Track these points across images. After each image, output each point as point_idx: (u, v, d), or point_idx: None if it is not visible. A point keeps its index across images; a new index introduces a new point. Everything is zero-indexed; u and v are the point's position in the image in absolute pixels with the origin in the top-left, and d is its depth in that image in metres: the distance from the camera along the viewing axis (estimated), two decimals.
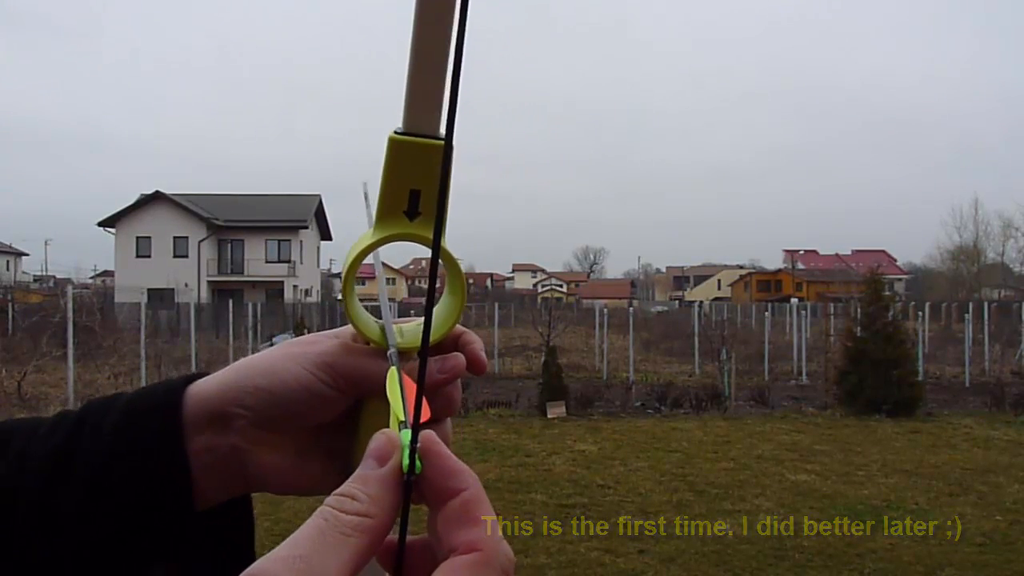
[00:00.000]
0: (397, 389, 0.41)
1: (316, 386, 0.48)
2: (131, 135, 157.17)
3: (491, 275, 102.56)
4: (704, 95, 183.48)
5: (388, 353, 0.45)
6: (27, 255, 65.26)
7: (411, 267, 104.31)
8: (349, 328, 0.50)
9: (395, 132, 0.41)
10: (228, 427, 0.48)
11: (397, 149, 0.41)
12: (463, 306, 0.47)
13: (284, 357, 0.49)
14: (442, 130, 0.39)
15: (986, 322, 18.64)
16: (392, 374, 0.42)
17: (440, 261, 0.39)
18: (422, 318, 0.39)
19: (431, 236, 0.39)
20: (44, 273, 62.92)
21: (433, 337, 0.45)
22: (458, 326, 0.49)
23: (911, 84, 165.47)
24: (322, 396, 0.48)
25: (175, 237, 39.94)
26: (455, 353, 0.50)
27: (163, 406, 0.48)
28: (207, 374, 0.51)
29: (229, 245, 41.63)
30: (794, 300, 29.26)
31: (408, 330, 0.49)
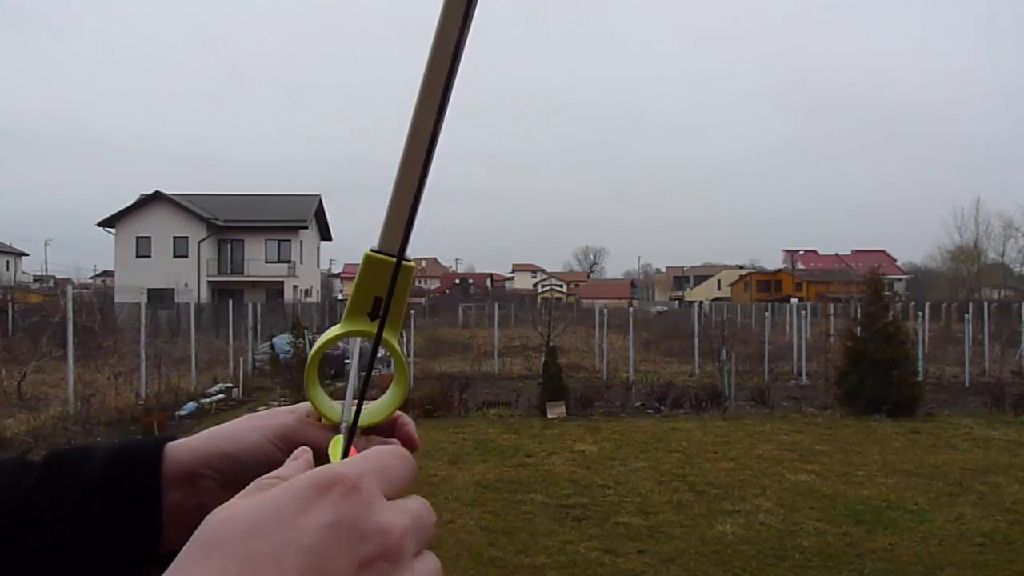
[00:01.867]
0: (339, 452, 0.49)
1: (275, 455, 0.55)
2: (131, 135, 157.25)
3: (491, 275, 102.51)
4: (704, 95, 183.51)
5: (340, 426, 0.53)
6: (27, 255, 65.31)
7: None
8: (307, 405, 0.57)
9: (370, 250, 0.51)
10: (197, 487, 0.55)
11: (369, 263, 0.51)
12: (405, 395, 0.55)
13: (248, 428, 0.57)
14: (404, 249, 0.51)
15: (986, 322, 18.63)
16: (336, 440, 0.51)
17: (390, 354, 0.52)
18: (375, 401, 0.53)
19: (389, 337, 0.51)
20: (44, 273, 62.98)
21: (375, 420, 0.54)
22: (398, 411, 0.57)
23: (911, 84, 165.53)
24: (279, 463, 0.51)
25: (175, 237, 39.94)
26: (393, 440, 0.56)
27: (145, 466, 0.55)
28: (175, 438, 0.58)
29: (229, 245, 41.63)
30: (794, 300, 29.26)
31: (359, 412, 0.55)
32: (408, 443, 0.56)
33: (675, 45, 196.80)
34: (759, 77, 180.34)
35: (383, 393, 0.57)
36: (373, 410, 0.54)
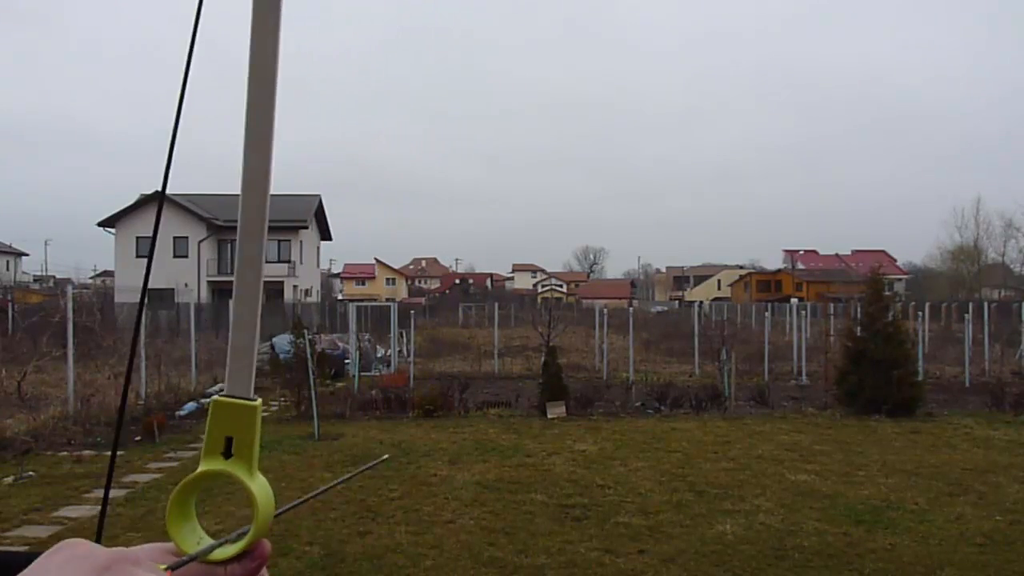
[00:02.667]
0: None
1: None
2: (131, 135, 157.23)
3: (491, 275, 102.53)
4: (704, 94, 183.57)
5: (184, 556, 0.54)
6: (27, 255, 65.32)
7: (411, 267, 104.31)
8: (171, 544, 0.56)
9: (218, 395, 0.56)
10: None
11: (218, 407, 0.56)
12: (260, 534, 0.55)
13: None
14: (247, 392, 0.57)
15: (986, 322, 18.62)
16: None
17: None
18: (234, 544, 0.54)
19: (241, 473, 0.55)
20: (44, 273, 63.03)
21: (225, 555, 0.54)
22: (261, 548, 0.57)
23: (911, 83, 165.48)
24: None
25: (175, 237, 39.96)
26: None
27: None
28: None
29: (229, 245, 41.63)
30: (794, 300, 29.27)
31: (217, 549, 0.56)
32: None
33: (673, 44, 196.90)
34: (759, 77, 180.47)
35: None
36: (228, 547, 0.55)
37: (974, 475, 8.21)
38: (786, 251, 74.57)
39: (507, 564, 5.60)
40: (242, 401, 0.56)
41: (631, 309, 21.94)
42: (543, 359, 13.26)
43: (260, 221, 0.59)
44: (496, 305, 23.99)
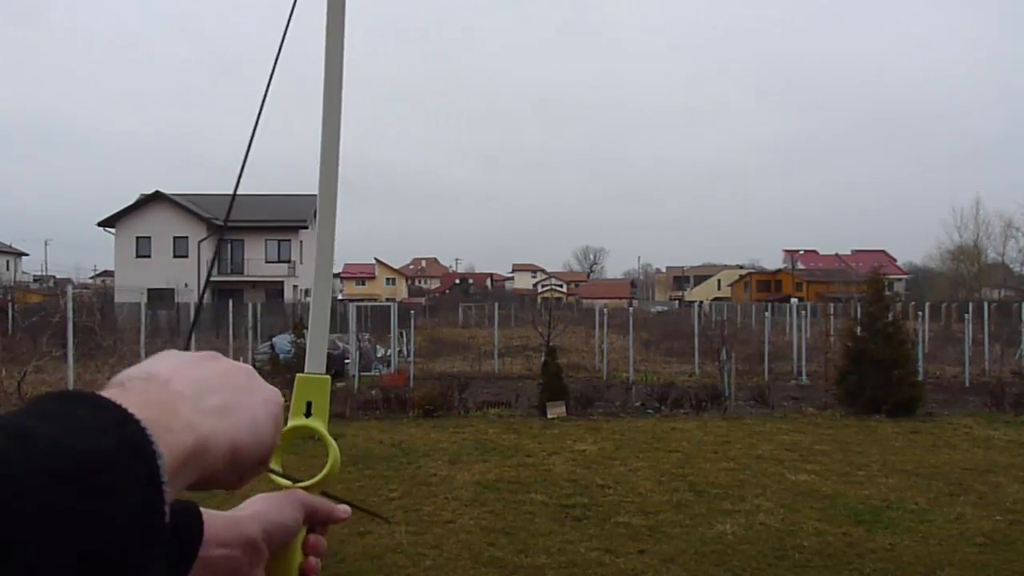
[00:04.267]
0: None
1: (260, 544, 0.70)
2: (131, 135, 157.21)
3: (491, 275, 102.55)
4: (703, 93, 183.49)
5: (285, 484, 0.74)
6: (27, 255, 65.28)
7: (411, 267, 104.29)
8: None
9: (300, 374, 0.77)
10: (205, 559, 0.67)
11: (301, 380, 0.77)
12: (333, 470, 0.75)
13: (249, 519, 0.71)
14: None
15: (986, 322, 18.63)
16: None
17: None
18: (313, 478, 0.74)
19: (319, 427, 0.76)
20: (44, 273, 62.96)
21: (309, 484, 0.74)
22: (333, 510, 0.75)
23: (911, 83, 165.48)
24: (261, 552, 0.71)
25: (175, 237, 39.94)
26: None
27: (195, 531, 0.66)
28: (195, 505, 0.69)
29: (229, 245, 41.64)
30: (794, 300, 29.26)
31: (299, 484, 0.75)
32: (328, 519, 0.74)
33: (672, 42, 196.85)
34: (759, 77, 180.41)
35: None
36: (308, 481, 0.74)
37: (974, 475, 8.21)
38: (786, 251, 74.59)
39: (507, 564, 5.60)
40: (318, 376, 0.77)
41: (631, 309, 21.94)
42: (543, 359, 13.25)
43: (331, 227, 0.82)
44: (496, 305, 23.98)
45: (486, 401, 13.06)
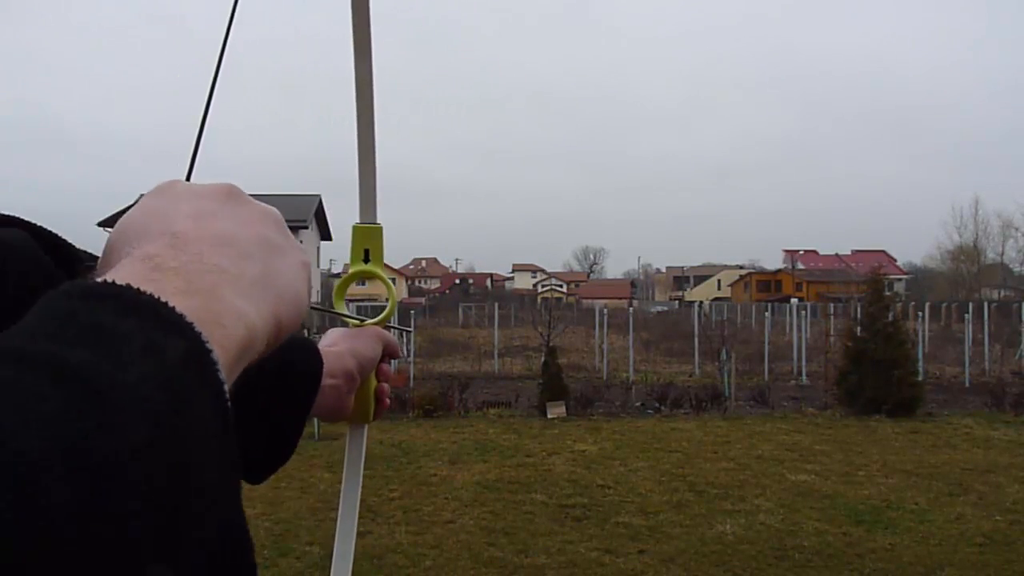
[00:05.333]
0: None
1: (352, 372, 0.84)
2: (131, 134, 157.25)
3: (491, 275, 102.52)
4: (704, 93, 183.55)
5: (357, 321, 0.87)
6: None
7: (411, 267, 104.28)
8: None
9: (356, 224, 0.85)
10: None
11: (357, 230, 0.84)
12: (393, 308, 0.86)
13: (346, 354, 0.83)
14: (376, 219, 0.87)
15: (986, 322, 18.61)
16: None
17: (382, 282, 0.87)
18: (372, 319, 0.87)
19: (376, 271, 0.84)
20: None
21: (377, 321, 0.87)
22: (389, 342, 0.88)
23: (911, 83, 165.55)
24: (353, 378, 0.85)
25: None
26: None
27: (316, 358, 0.80)
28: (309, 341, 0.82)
29: None
30: (794, 300, 29.28)
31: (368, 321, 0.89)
32: (395, 351, 0.89)
33: (672, 39, 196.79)
34: (759, 76, 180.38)
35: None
36: (376, 318, 0.86)
37: (974, 475, 8.21)
38: (786, 251, 74.59)
39: (507, 564, 5.60)
40: (372, 225, 0.85)
41: (631, 309, 21.95)
42: (543, 359, 13.25)
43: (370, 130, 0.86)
44: (496, 305, 23.99)
45: (486, 401, 13.05)
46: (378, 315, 0.85)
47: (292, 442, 0.80)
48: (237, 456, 0.36)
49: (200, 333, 0.35)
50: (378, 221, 0.85)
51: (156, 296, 0.35)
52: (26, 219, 0.56)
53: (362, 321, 0.85)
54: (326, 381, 0.79)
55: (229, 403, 0.35)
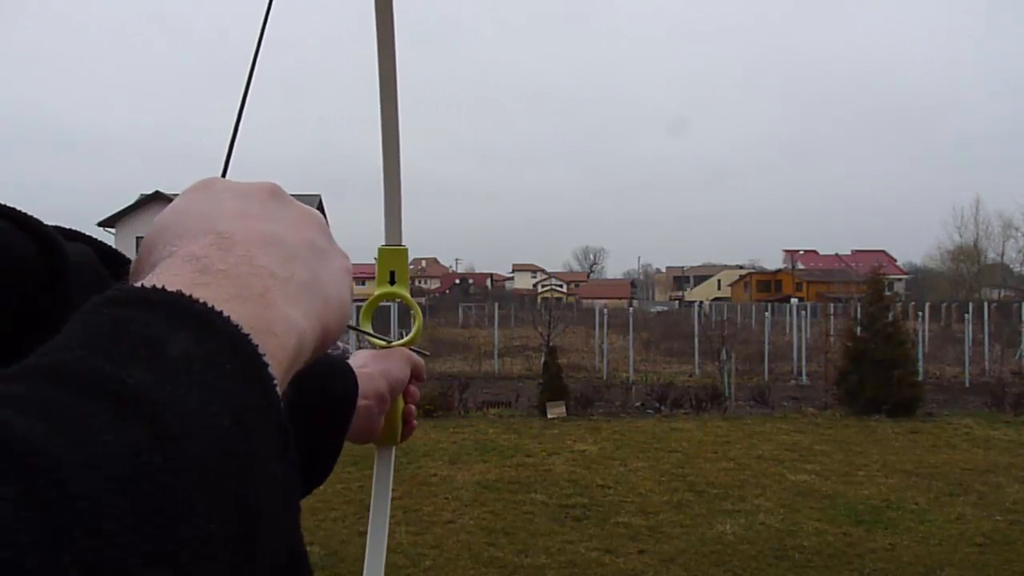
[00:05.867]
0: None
1: (384, 393, 0.85)
2: (130, 134, 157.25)
3: (491, 275, 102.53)
4: (704, 93, 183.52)
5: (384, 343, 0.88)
6: None
7: (411, 267, 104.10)
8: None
9: (382, 246, 0.84)
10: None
11: (383, 252, 0.83)
12: (419, 329, 0.87)
13: (378, 375, 0.84)
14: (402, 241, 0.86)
15: (986, 322, 18.61)
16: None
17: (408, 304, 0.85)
18: (406, 337, 0.88)
19: (402, 293, 0.82)
20: None
21: (404, 342, 0.88)
22: (417, 365, 0.88)
23: (911, 83, 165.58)
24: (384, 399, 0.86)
25: None
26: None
27: (351, 380, 0.80)
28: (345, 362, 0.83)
29: None
30: (794, 300, 29.28)
31: (395, 342, 0.89)
32: (422, 373, 0.90)
33: (671, 38, 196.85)
34: (759, 76, 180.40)
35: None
36: (404, 340, 0.87)
37: (974, 475, 8.21)
38: (786, 251, 74.58)
39: (507, 564, 5.60)
40: (398, 247, 0.84)
41: (631, 309, 21.94)
42: (543, 359, 13.25)
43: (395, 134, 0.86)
44: (496, 305, 23.99)
45: (486, 401, 13.05)
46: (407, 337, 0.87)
47: (329, 465, 0.81)
48: (298, 477, 0.34)
49: (257, 347, 0.33)
50: (403, 243, 0.85)
51: (209, 305, 0.33)
52: (87, 234, 0.53)
53: (389, 343, 0.86)
54: (358, 402, 0.80)
55: (287, 423, 0.33)
